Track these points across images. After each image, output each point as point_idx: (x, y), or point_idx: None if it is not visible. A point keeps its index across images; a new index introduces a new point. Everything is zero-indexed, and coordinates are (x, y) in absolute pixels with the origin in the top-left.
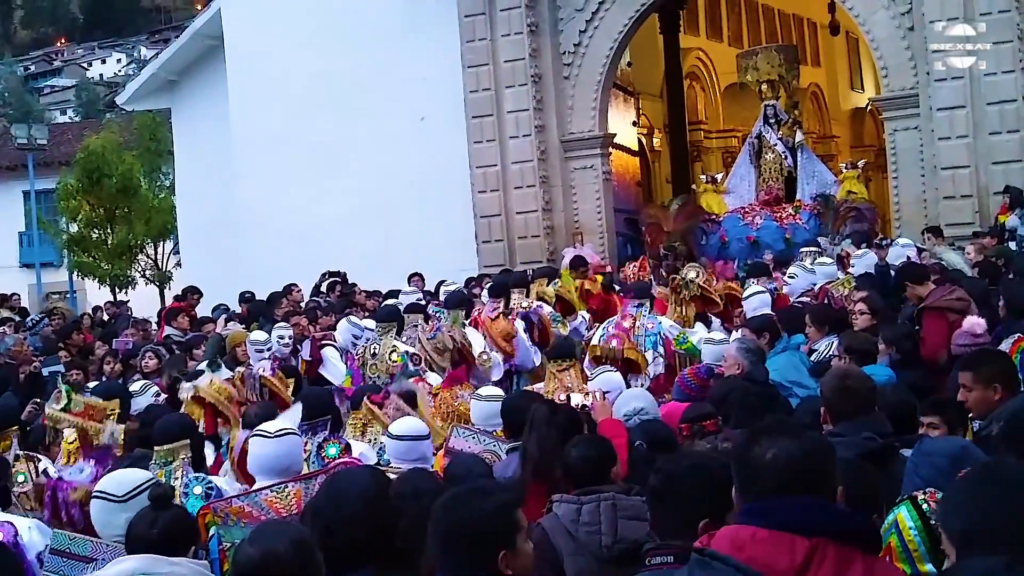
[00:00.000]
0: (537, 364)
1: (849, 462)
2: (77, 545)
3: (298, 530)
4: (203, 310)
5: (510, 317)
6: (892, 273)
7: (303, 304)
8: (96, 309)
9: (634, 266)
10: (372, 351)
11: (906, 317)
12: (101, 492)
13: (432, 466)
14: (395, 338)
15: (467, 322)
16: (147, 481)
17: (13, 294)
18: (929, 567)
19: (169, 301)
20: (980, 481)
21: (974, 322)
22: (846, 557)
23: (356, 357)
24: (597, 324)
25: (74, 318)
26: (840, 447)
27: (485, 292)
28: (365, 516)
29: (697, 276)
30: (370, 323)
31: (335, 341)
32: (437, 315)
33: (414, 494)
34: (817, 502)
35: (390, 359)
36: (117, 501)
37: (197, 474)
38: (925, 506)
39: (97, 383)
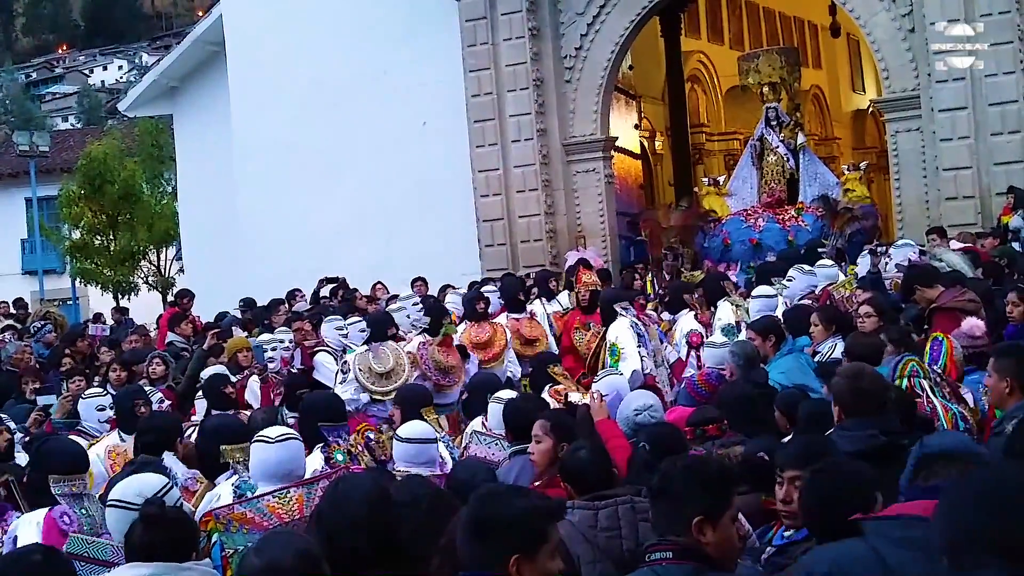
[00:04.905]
0: None
1: (843, 462)
2: (96, 549)
3: (305, 541)
4: (196, 311)
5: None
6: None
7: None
8: (97, 316)
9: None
10: None
11: (910, 318)
12: (118, 500)
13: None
14: None
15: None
16: (165, 486)
17: (18, 299)
18: None
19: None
20: (963, 491)
21: (973, 323)
22: None
23: None
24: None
25: (74, 323)
26: (845, 441)
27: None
28: (368, 521)
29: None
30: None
31: (326, 346)
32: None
33: (412, 501)
34: None
35: None
36: (137, 509)
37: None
38: None
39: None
